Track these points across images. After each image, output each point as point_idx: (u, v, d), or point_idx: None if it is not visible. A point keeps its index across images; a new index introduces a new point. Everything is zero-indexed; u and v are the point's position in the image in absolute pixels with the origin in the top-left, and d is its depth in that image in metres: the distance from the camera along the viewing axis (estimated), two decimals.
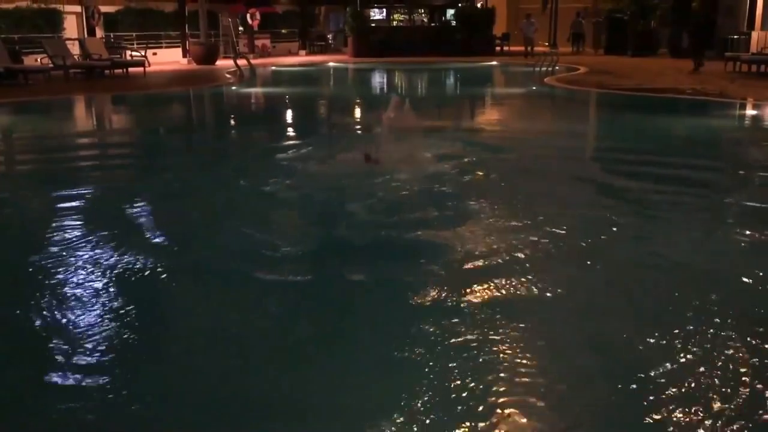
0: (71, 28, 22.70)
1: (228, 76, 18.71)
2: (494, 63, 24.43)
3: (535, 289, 3.58)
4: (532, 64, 20.20)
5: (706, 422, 2.38)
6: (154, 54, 23.42)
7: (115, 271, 3.85)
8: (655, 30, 25.41)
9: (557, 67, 19.01)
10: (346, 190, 5.73)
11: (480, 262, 3.96)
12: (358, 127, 10.26)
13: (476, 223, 4.80)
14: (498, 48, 28.76)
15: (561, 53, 22.45)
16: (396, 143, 6.62)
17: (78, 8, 21.65)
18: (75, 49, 18.74)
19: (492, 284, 3.64)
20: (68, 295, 3.55)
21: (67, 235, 4.49)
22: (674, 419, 2.40)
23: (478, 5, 30.85)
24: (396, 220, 4.92)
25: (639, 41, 24.82)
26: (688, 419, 2.40)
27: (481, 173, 6.53)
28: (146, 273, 3.85)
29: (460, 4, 29.63)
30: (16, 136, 10.06)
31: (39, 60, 17.26)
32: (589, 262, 4.09)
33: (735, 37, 20.06)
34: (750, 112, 11.33)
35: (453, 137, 8.29)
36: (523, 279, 3.71)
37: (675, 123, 10.52)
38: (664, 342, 2.97)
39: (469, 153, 7.29)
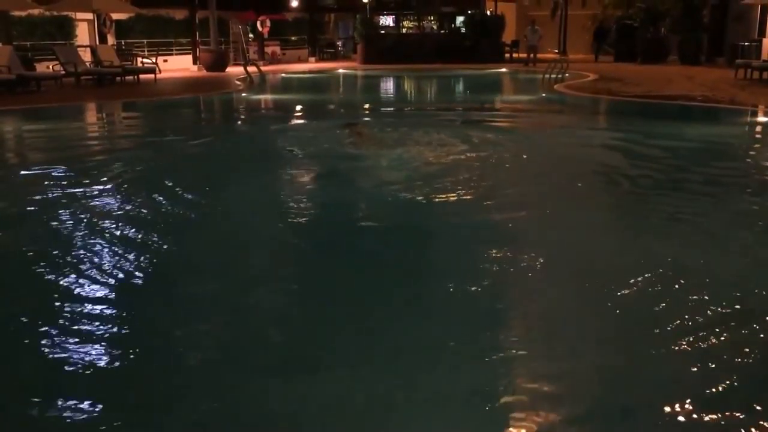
0: (83, 35, 22.84)
1: (238, 83, 18.78)
2: (503, 70, 24.41)
3: None
4: (542, 71, 20.17)
5: None
6: (165, 61, 23.53)
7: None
8: (664, 37, 25.34)
9: (566, 74, 18.98)
10: None
11: None
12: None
13: None
14: (507, 55, 28.74)
15: (571, 60, 22.40)
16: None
17: (90, 16, 21.76)
18: (87, 56, 18.85)
19: None
20: None
21: None
22: None
23: (488, 12, 30.85)
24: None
25: (648, 48, 24.77)
26: None
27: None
28: None
29: (469, 12, 29.64)
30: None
31: (51, 67, 17.36)
32: None
33: (746, 44, 19.97)
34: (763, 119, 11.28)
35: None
36: None
37: (690, 130, 10.44)
38: None
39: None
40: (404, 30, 29.98)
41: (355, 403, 2.75)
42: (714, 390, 2.76)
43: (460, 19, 29.33)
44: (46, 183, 6.66)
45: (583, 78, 18.59)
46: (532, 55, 25.60)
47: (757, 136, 10.45)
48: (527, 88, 18.72)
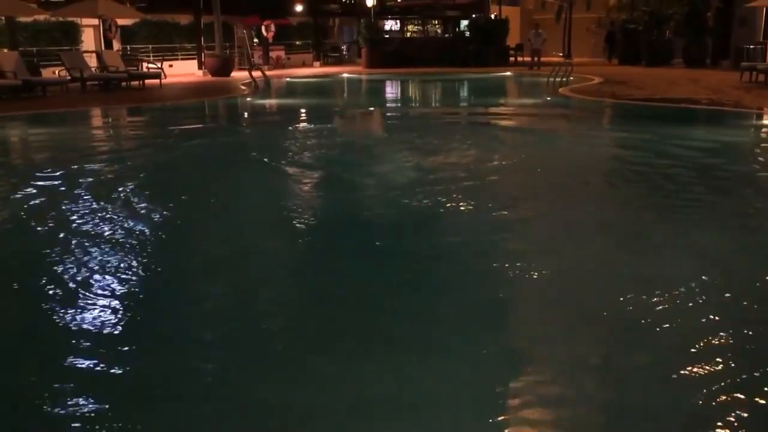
0: (88, 40, 23.00)
1: (243, 87, 18.84)
2: (508, 74, 24.43)
3: None
4: (546, 74, 20.18)
5: None
6: (170, 66, 23.65)
7: None
8: (669, 40, 25.34)
9: (571, 78, 18.98)
10: None
11: None
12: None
13: None
14: (512, 59, 28.78)
15: (575, 63, 22.42)
16: None
17: (95, 21, 21.90)
18: (92, 61, 18.96)
19: None
20: None
21: None
22: None
23: (492, 16, 30.92)
24: None
25: (653, 51, 24.78)
26: None
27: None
28: None
29: (473, 15, 29.71)
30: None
31: (57, 72, 17.46)
32: None
33: (751, 47, 19.94)
34: None
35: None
36: None
37: (695, 133, 10.40)
38: None
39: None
40: (408, 34, 30.10)
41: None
42: None
43: (464, 23, 29.42)
44: (50, 186, 6.68)
45: (587, 81, 18.58)
46: (535, 59, 25.61)
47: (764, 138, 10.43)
48: (532, 92, 18.70)
